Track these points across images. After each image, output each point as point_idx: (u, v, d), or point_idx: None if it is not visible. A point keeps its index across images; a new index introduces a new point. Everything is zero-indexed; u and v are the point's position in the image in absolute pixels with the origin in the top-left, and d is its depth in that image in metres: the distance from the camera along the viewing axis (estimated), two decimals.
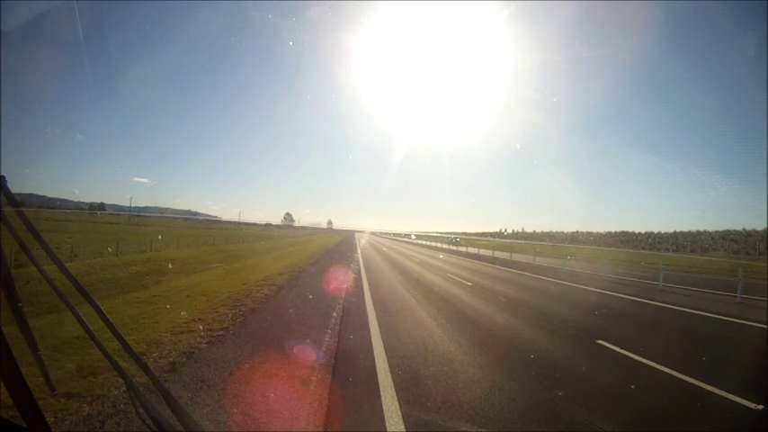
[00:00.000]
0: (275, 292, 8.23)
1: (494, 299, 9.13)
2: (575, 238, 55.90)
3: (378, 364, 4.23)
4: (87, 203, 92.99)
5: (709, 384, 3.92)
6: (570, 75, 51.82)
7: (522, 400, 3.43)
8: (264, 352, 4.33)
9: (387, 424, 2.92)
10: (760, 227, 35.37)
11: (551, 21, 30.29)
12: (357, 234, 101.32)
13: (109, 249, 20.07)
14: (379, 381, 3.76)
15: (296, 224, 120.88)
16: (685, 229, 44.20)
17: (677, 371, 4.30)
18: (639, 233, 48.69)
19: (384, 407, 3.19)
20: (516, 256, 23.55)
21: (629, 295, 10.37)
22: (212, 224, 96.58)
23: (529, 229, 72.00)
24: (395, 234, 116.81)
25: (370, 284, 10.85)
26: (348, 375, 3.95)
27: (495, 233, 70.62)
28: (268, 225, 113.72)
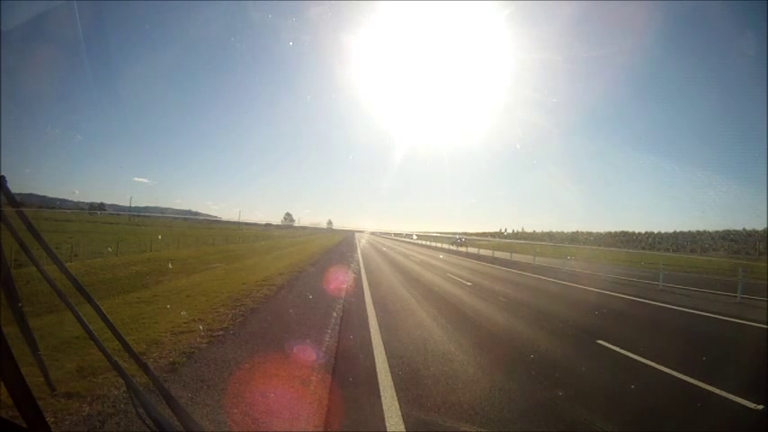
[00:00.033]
0: (275, 293, 8.23)
1: (494, 299, 9.13)
2: (575, 238, 55.97)
3: (378, 364, 4.23)
4: (87, 203, 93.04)
5: (709, 384, 3.92)
6: (570, 75, 51.89)
7: (522, 400, 3.44)
8: (264, 352, 4.33)
9: (387, 424, 2.92)
10: (760, 227, 35.45)
11: (551, 21, 30.26)
12: (357, 234, 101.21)
13: (109, 249, 20.05)
14: (379, 381, 3.76)
15: (296, 224, 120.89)
16: (685, 229, 44.31)
17: (677, 371, 4.30)
18: (639, 233, 48.83)
19: (384, 407, 3.19)
20: (516, 256, 23.55)
21: (629, 295, 10.37)
22: (212, 224, 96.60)
23: (529, 229, 72.18)
24: (395, 234, 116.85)
25: (370, 284, 10.84)
26: (348, 375, 3.95)
27: (495, 233, 70.76)
28: (268, 225, 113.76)
